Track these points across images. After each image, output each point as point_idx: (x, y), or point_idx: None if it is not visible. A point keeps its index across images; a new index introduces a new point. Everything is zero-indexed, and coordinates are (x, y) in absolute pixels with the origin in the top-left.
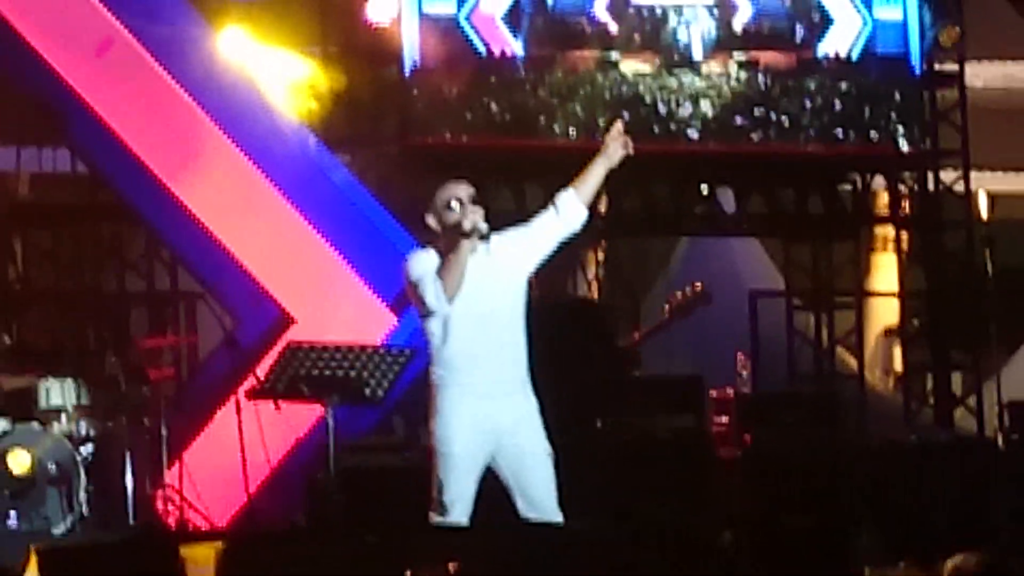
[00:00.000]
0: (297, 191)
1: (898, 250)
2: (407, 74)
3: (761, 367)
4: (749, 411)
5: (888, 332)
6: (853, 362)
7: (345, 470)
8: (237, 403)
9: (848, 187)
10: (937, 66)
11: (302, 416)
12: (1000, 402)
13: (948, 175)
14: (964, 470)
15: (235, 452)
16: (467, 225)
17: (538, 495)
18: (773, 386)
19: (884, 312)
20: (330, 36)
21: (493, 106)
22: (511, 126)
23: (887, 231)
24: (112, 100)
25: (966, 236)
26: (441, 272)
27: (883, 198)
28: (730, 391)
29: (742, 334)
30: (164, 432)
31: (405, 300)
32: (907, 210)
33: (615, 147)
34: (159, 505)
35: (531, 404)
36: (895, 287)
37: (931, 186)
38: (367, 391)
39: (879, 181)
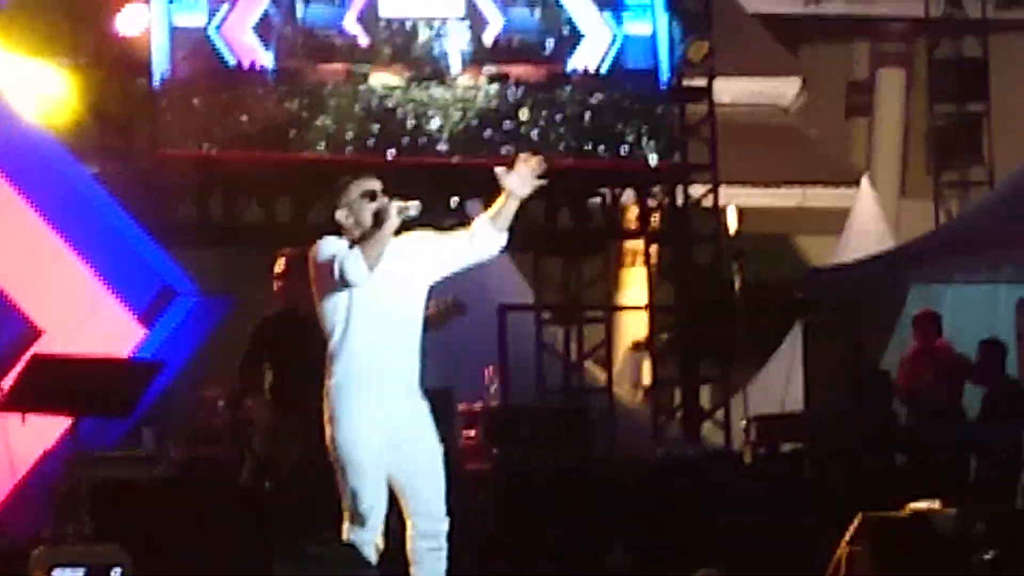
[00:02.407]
0: (45, 202)
1: (647, 264)
2: (157, 86)
3: (511, 381)
4: (497, 425)
5: (637, 346)
6: (602, 376)
7: (92, 483)
8: None
9: (598, 201)
10: (686, 81)
11: (49, 428)
12: (747, 416)
13: (697, 189)
14: (712, 484)
15: None
16: (393, 210)
17: (431, 496)
18: (523, 400)
19: (633, 326)
20: (80, 47)
21: (243, 119)
22: (261, 139)
23: (637, 245)
24: None
25: (714, 250)
26: (363, 245)
27: (633, 212)
28: (478, 405)
29: (491, 348)
30: None
31: (154, 312)
32: (656, 224)
33: (519, 182)
34: None
35: (425, 406)
36: (644, 301)
37: (680, 200)
38: (114, 404)
39: (629, 195)
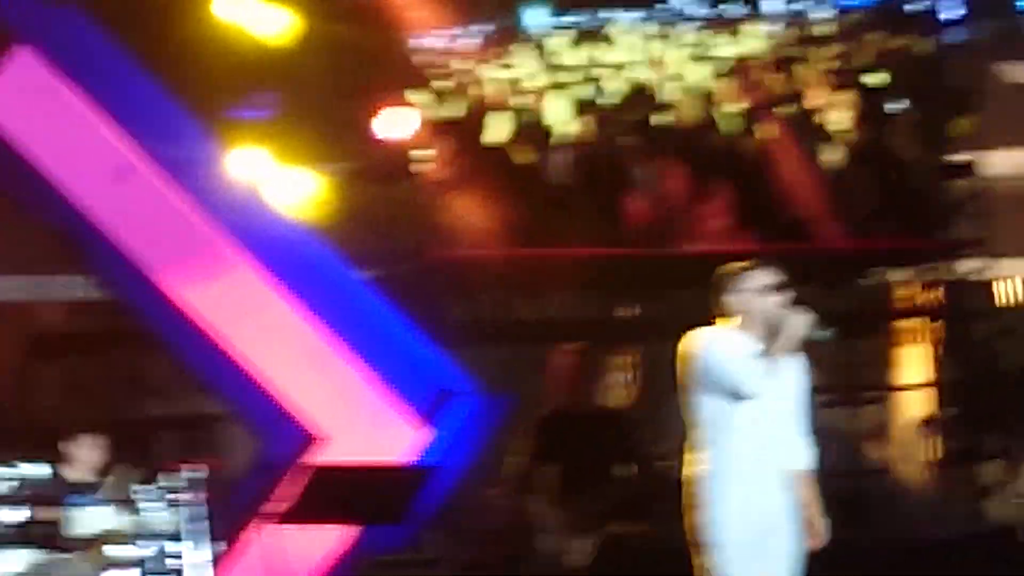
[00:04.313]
0: (320, 307)
1: (925, 342)
2: (423, 188)
3: None
4: None
5: (918, 424)
6: (883, 456)
7: None
8: (263, 526)
9: (871, 282)
10: (953, 157)
11: (330, 536)
12: None
13: (971, 264)
14: (999, 563)
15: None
16: (801, 324)
17: None
18: None
19: (913, 404)
20: (345, 152)
21: (513, 216)
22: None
23: (913, 323)
24: (130, 226)
25: (991, 325)
26: (763, 354)
27: (908, 290)
28: None
29: None
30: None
31: (433, 414)
32: (932, 301)
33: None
34: None
35: (792, 498)
36: (923, 379)
37: (955, 277)
38: (386, 511)
39: (903, 273)
